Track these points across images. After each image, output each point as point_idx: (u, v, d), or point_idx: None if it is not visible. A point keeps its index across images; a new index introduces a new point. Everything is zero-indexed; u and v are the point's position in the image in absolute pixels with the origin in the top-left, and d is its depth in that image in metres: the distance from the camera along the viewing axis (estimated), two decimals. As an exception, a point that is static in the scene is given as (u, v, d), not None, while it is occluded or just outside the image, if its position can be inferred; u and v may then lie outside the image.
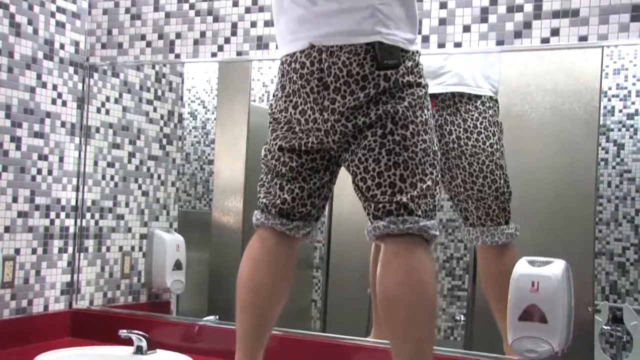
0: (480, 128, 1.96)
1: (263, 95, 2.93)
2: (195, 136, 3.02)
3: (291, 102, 1.52)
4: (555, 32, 2.00)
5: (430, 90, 1.91)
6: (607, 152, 2.40)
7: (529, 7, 2.04)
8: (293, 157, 1.53)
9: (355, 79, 1.42)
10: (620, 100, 2.41)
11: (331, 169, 1.56)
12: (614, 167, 2.40)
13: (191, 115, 3.02)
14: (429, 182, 1.44)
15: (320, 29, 1.46)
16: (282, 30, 1.57)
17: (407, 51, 1.47)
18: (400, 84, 1.44)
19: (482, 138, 1.95)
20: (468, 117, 1.98)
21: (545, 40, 2.01)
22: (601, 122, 2.33)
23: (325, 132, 1.48)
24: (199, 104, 3.02)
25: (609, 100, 2.41)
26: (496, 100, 2.01)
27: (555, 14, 2.00)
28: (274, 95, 1.60)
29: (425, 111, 1.48)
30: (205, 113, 3.01)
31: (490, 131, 1.96)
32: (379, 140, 1.43)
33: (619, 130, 2.41)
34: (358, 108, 1.43)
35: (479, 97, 1.99)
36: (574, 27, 1.98)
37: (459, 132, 1.97)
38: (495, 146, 1.96)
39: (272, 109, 1.59)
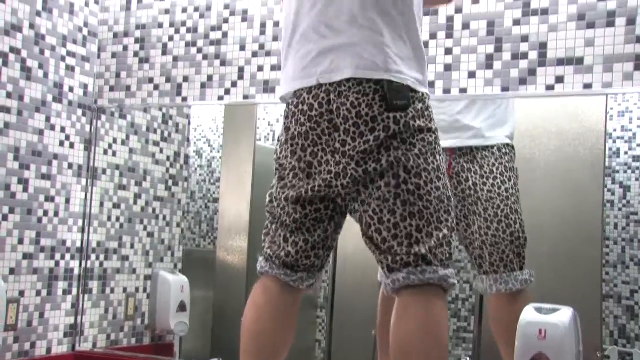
0: (496, 173, 1.97)
1: (269, 134, 2.95)
2: (200, 174, 3.03)
3: (298, 145, 1.49)
4: (560, 79, 2.02)
5: (446, 144, 1.92)
6: (613, 194, 2.40)
7: (533, 55, 2.06)
8: (297, 208, 1.51)
9: (364, 120, 1.40)
10: (626, 142, 2.42)
11: (336, 219, 1.55)
12: (620, 209, 2.40)
13: (197, 154, 3.04)
14: (445, 231, 1.43)
15: (329, 64, 1.44)
16: (289, 67, 1.53)
17: (416, 92, 1.45)
18: (411, 129, 1.42)
19: (498, 183, 1.95)
20: (484, 163, 1.98)
21: (550, 87, 2.03)
22: (607, 164, 2.34)
23: (335, 175, 1.45)
24: (204, 143, 3.04)
25: (614, 142, 2.43)
26: (512, 146, 2.01)
27: (560, 62, 2.03)
28: (278, 140, 1.56)
29: (437, 157, 1.47)
30: (211, 151, 3.03)
31: (506, 176, 1.97)
32: (392, 190, 1.40)
33: (625, 172, 2.42)
34: (369, 153, 1.40)
35: (494, 144, 2.00)
36: (579, 75, 2.00)
37: (476, 178, 1.98)
38: (510, 191, 1.96)
39: (277, 154, 1.56)
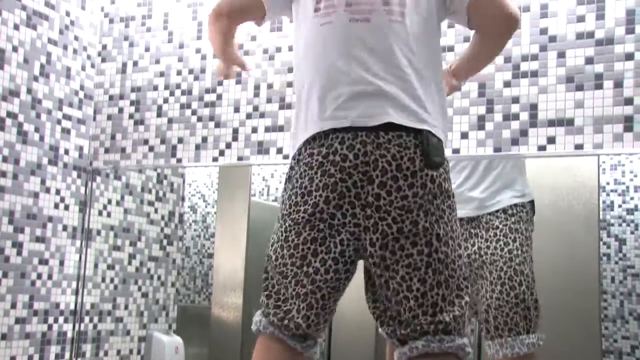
0: (500, 235, 1.95)
1: (263, 189, 2.95)
2: (195, 230, 3.02)
3: (322, 197, 1.37)
4: (551, 140, 2.05)
5: None
6: (608, 247, 2.40)
7: (524, 116, 2.09)
8: (315, 265, 1.39)
9: (404, 175, 1.34)
10: (619, 195, 2.43)
11: (346, 286, 1.46)
12: (616, 262, 2.40)
13: (191, 209, 3.04)
14: (466, 298, 1.39)
15: (364, 108, 1.37)
16: (313, 109, 1.43)
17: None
18: (444, 190, 1.37)
19: (501, 245, 1.94)
20: (490, 226, 1.97)
21: (541, 148, 2.06)
22: (601, 217, 2.35)
23: (364, 229, 1.36)
24: (199, 198, 3.04)
25: (608, 195, 2.43)
26: (523, 205, 2.00)
27: (551, 123, 2.05)
28: (290, 193, 1.43)
29: (456, 223, 1.43)
30: (206, 207, 3.03)
31: (510, 237, 1.94)
32: (425, 259, 1.35)
33: (620, 225, 2.42)
34: (407, 211, 1.34)
35: (499, 208, 1.99)
36: (570, 136, 2.02)
37: (481, 242, 1.96)
38: (515, 252, 1.93)
39: (288, 209, 1.42)
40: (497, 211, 1.97)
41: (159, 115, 2.64)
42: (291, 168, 1.45)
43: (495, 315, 1.89)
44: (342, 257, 1.39)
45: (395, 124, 1.36)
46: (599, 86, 2.01)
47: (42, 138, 2.57)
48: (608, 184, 2.46)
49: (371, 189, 1.35)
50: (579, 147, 2.01)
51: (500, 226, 1.95)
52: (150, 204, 2.87)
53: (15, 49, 2.48)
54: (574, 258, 2.22)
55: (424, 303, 1.35)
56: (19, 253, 2.48)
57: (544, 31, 2.10)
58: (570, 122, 2.03)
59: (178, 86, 2.62)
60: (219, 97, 2.54)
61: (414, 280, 1.35)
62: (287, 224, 1.42)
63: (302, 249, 1.40)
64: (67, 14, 2.68)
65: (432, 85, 1.44)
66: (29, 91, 2.53)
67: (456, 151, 2.16)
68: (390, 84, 1.38)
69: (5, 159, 2.44)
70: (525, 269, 1.91)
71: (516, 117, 2.10)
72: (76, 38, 2.72)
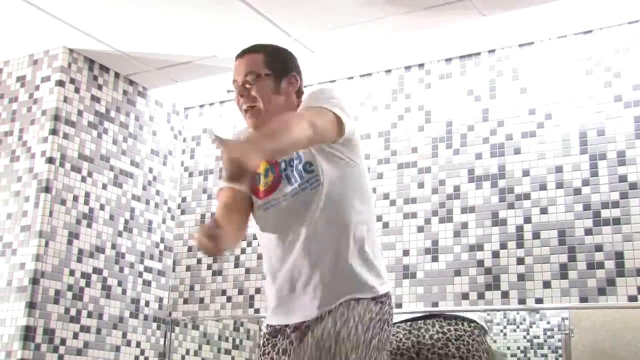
0: None
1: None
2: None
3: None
4: (642, 290, 1.97)
5: None
6: None
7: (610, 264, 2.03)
8: None
9: None
10: None
11: None
12: None
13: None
14: None
15: None
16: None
17: None
18: None
19: None
20: None
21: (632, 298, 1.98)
22: None
23: None
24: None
25: None
26: None
27: None
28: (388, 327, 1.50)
29: None
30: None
31: None
32: None
33: None
34: None
35: None
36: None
37: None
38: None
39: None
40: None
41: (236, 265, 2.69)
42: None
43: None
44: None
45: None
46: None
47: (124, 291, 2.65)
48: None
49: None
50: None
51: None
52: (227, 352, 2.86)
53: (102, 207, 2.62)
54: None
55: None
56: (100, 409, 2.48)
57: (622, 178, 2.09)
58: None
59: (255, 237, 2.67)
60: (295, 246, 2.58)
61: None
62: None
63: None
64: (150, 170, 2.83)
65: None
66: (113, 246, 2.64)
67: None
68: None
69: (90, 314, 2.51)
70: None
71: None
72: (158, 192, 2.85)
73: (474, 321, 2.06)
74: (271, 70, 1.51)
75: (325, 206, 1.45)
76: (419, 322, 2.06)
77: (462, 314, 2.10)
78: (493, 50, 2.41)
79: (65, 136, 2.52)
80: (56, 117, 2.50)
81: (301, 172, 1.47)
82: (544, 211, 2.19)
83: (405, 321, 2.08)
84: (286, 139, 1.34)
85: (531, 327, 2.38)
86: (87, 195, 2.56)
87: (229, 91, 1.59)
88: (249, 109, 1.51)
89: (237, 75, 1.53)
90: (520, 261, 2.19)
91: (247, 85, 1.51)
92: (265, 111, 1.50)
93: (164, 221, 2.85)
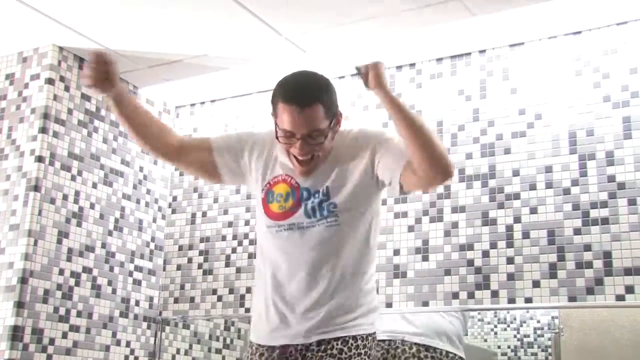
0: None
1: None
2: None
3: None
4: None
5: None
6: None
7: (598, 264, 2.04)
8: None
9: None
10: None
11: None
12: None
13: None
14: None
15: None
16: None
17: None
18: None
19: None
20: None
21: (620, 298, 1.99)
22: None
23: None
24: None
25: None
26: None
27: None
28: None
29: None
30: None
31: None
32: None
33: None
34: None
35: None
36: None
37: None
38: None
39: None
40: None
41: (227, 265, 2.69)
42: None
43: None
44: None
45: None
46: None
47: (114, 291, 2.64)
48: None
49: None
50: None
51: None
52: (218, 351, 2.86)
53: (92, 206, 2.60)
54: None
55: None
56: (90, 408, 2.47)
57: (611, 178, 2.10)
58: (649, 271, 1.98)
59: (246, 236, 2.68)
60: (286, 246, 2.58)
61: None
62: None
63: None
64: (141, 169, 2.82)
65: None
66: (103, 245, 2.63)
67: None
68: None
69: (79, 314, 2.50)
70: None
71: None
72: (148, 191, 2.84)
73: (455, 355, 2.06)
74: (329, 118, 1.50)
75: (334, 246, 1.50)
76: (397, 342, 2.07)
77: (448, 348, 2.09)
78: (484, 51, 2.42)
79: (55, 134, 2.51)
80: (46, 116, 2.49)
81: (323, 208, 1.50)
82: (533, 211, 2.20)
83: (384, 341, 2.07)
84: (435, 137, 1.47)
85: (521, 326, 2.40)
86: (77, 194, 2.55)
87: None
88: (309, 160, 1.51)
89: (295, 128, 1.47)
90: (510, 261, 2.20)
91: (310, 141, 1.48)
92: (318, 156, 1.52)
93: (154, 220, 2.84)
